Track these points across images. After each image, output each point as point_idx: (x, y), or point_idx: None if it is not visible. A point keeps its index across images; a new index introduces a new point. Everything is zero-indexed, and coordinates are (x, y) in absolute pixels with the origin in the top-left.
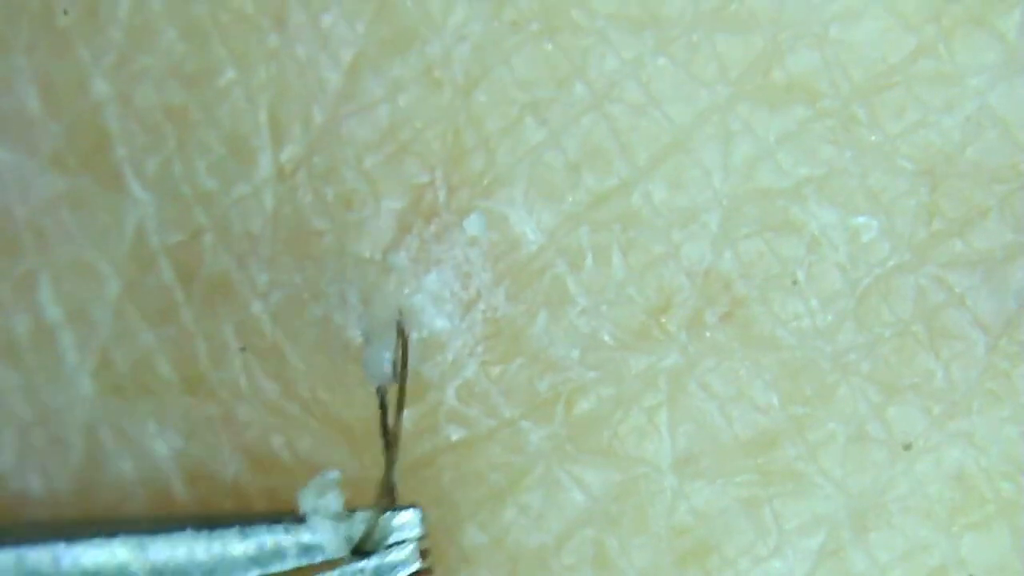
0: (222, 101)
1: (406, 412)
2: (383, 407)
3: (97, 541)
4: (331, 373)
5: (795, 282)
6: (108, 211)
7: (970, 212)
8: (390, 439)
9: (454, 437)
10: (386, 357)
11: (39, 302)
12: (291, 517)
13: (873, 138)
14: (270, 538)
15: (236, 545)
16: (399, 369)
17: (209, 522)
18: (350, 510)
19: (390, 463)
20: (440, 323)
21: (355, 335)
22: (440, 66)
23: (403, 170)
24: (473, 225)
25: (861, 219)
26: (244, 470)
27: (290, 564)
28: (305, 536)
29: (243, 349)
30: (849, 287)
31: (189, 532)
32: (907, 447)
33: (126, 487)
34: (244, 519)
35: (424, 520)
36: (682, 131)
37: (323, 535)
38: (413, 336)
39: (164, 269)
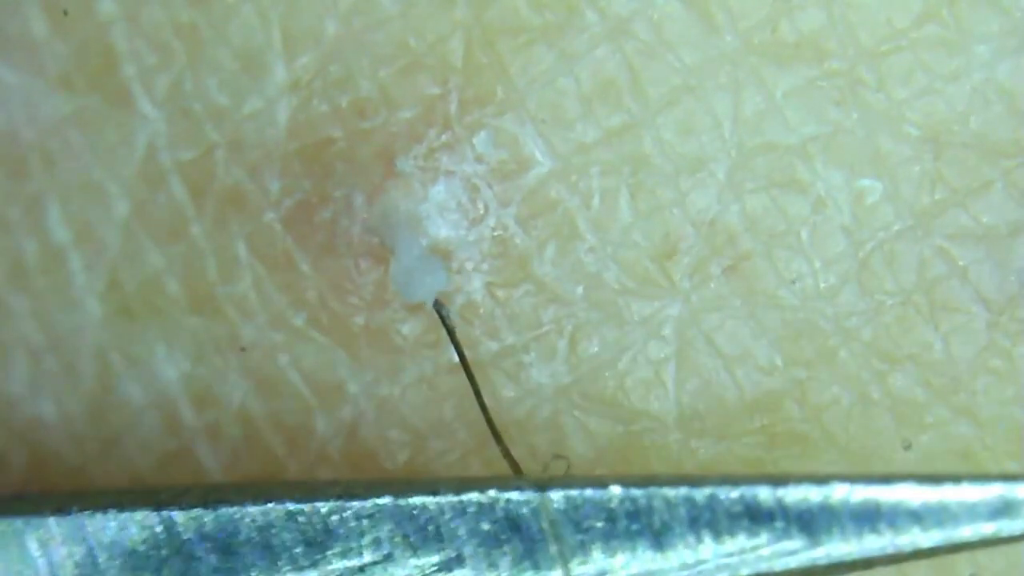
0: (232, 18)
1: (407, 325)
2: (451, 335)
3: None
4: (337, 274)
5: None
6: (117, 131)
7: (973, 183)
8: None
9: (456, 358)
10: (417, 279)
11: (47, 224)
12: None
13: (879, 101)
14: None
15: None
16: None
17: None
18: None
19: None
20: (445, 232)
21: (360, 235)
22: None
23: (416, 81)
24: (483, 142)
25: (866, 181)
26: (250, 394)
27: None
28: None
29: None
30: (852, 250)
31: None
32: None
33: (136, 412)
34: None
35: None
36: (693, 75)
37: None
38: (423, 243)
39: (175, 186)
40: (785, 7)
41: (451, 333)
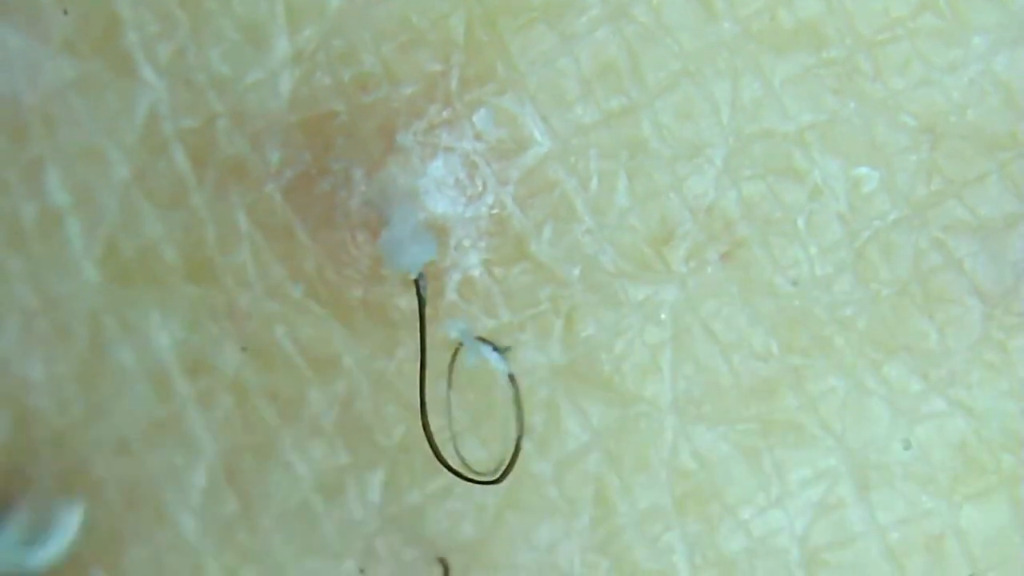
0: None
1: (403, 299)
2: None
3: None
4: (335, 246)
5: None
6: (119, 97)
7: (970, 175)
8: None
9: (453, 334)
10: (405, 248)
11: (46, 188)
12: None
13: (876, 91)
14: None
15: None
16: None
17: None
18: None
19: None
20: (442, 208)
21: (358, 208)
22: None
23: (418, 57)
24: (483, 120)
25: (863, 170)
26: (245, 364)
27: None
28: None
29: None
30: (848, 238)
31: None
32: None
33: (127, 377)
34: None
35: None
36: (692, 61)
37: None
38: (420, 216)
39: (176, 154)
40: None
41: (422, 308)
